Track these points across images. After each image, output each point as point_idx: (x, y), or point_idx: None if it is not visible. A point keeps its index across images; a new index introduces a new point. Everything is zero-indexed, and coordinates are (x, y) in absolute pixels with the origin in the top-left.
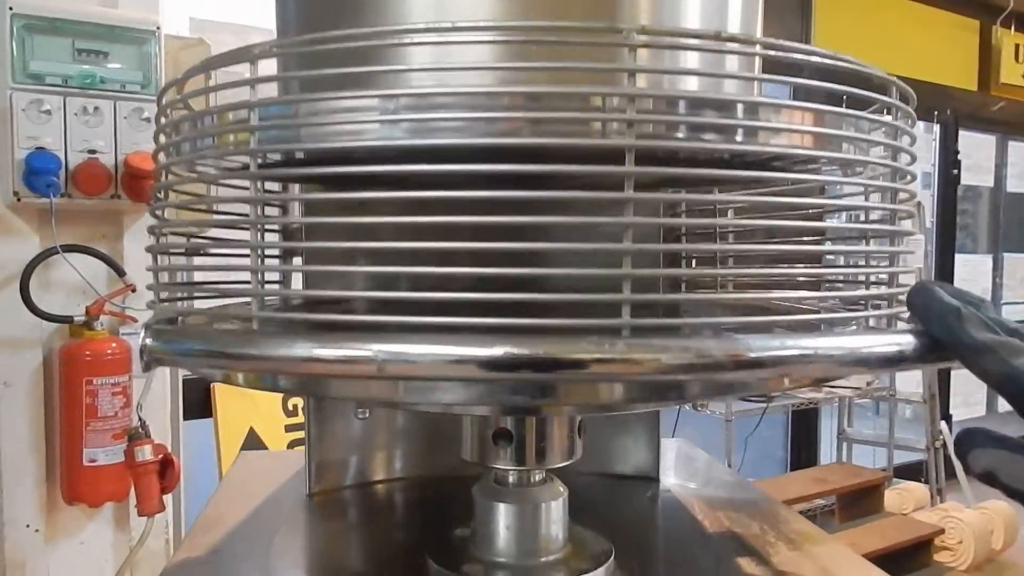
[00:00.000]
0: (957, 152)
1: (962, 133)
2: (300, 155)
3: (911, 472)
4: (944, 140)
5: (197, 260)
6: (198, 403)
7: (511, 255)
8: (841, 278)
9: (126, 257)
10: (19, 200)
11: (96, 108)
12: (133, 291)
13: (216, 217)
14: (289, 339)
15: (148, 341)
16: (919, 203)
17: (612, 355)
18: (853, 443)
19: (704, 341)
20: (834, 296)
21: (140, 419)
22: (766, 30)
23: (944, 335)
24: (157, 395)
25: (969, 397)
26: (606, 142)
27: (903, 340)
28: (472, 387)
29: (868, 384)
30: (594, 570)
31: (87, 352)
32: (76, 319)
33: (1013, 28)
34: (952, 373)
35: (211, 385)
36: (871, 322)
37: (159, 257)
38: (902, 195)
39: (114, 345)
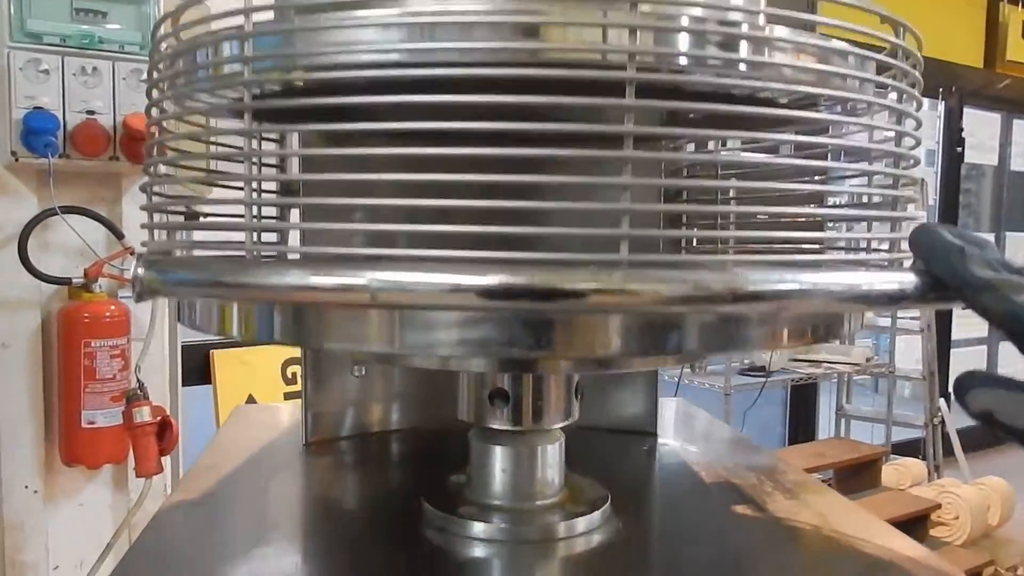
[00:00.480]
0: (961, 130)
1: (967, 111)
2: (300, 83)
3: (909, 450)
4: (948, 118)
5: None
6: (197, 370)
7: (509, 191)
8: (844, 222)
9: (125, 220)
10: (17, 160)
11: (95, 68)
12: (132, 254)
13: (211, 151)
14: (284, 267)
15: (140, 271)
16: (922, 180)
17: (610, 285)
18: (851, 419)
19: (702, 273)
20: (837, 237)
21: (139, 381)
22: (770, 2)
23: (946, 273)
24: (156, 360)
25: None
26: (606, 74)
27: (904, 278)
28: (468, 331)
29: (868, 360)
30: (590, 513)
31: (85, 314)
32: (75, 281)
33: (1020, 5)
34: (952, 351)
35: (210, 352)
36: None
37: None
38: (906, 141)
39: (113, 308)
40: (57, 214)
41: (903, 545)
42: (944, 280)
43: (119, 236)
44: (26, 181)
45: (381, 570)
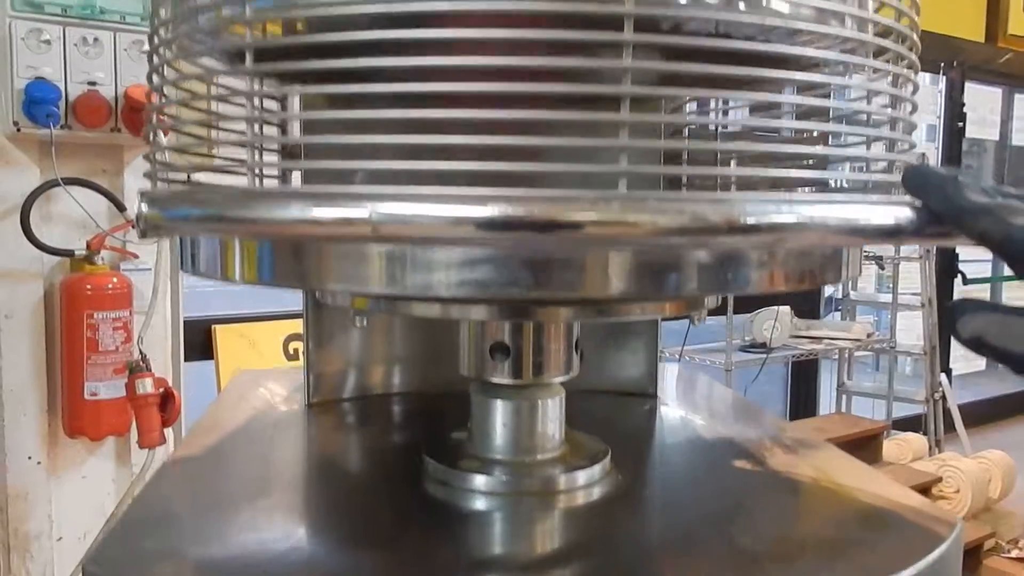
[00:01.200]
0: (963, 104)
1: (968, 85)
2: (300, 28)
3: (910, 426)
4: (950, 92)
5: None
6: (199, 345)
7: (510, 130)
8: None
9: (126, 192)
10: (19, 130)
11: (96, 39)
12: (134, 227)
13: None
14: (286, 199)
15: (144, 208)
16: (923, 155)
17: (607, 216)
18: (853, 396)
19: (700, 204)
20: (835, 175)
21: (141, 352)
22: None
23: (942, 204)
24: (158, 333)
25: (969, 351)
26: (605, 9)
27: (901, 213)
28: (468, 272)
29: (868, 336)
30: (590, 467)
31: (88, 286)
32: (77, 253)
33: None
34: None
35: (212, 327)
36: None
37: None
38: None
39: (115, 280)
40: (59, 185)
41: (901, 494)
42: (941, 212)
43: (121, 208)
44: (28, 151)
45: (383, 522)
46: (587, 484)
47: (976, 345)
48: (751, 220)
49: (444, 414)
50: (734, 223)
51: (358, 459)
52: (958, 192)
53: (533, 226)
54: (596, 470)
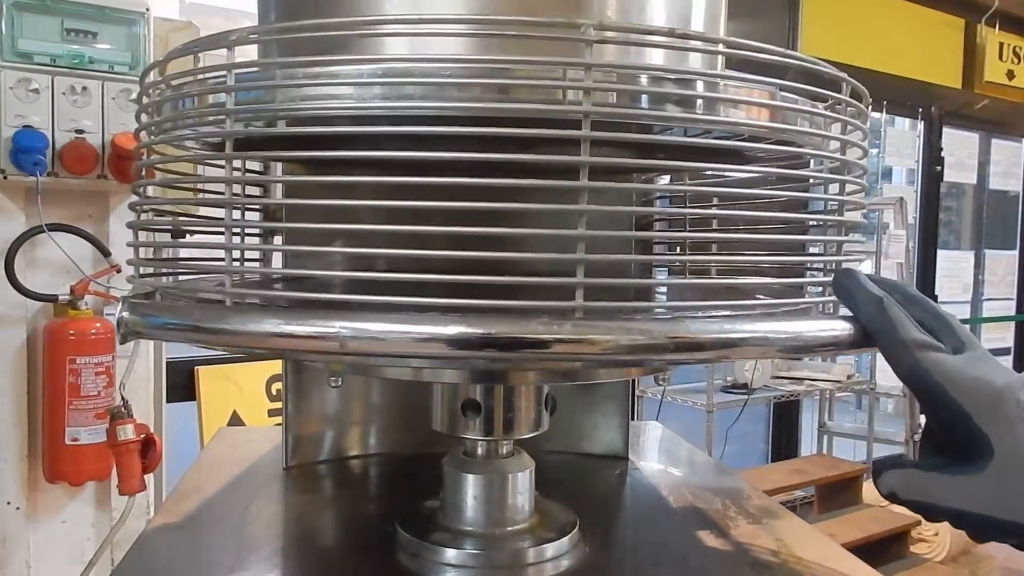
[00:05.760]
0: (941, 149)
1: (946, 130)
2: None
3: None
4: (928, 137)
5: (178, 238)
6: (182, 386)
7: (481, 240)
8: (796, 265)
9: (111, 237)
10: (5, 178)
11: (84, 88)
12: (118, 271)
13: (197, 196)
14: (259, 316)
15: (124, 314)
16: (902, 199)
17: (566, 335)
18: (834, 436)
19: (648, 324)
20: (781, 283)
21: (123, 398)
22: (753, 27)
23: (867, 322)
24: (140, 377)
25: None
26: (565, 107)
27: (838, 326)
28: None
29: (848, 377)
30: (559, 539)
31: (71, 331)
32: (61, 298)
33: (997, 27)
34: None
35: (195, 368)
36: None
37: (139, 233)
38: (851, 187)
39: (98, 325)
40: (44, 232)
41: (855, 568)
42: (866, 327)
43: (106, 254)
44: (14, 198)
45: None
46: (555, 556)
47: (893, 499)
48: (696, 338)
49: (418, 477)
50: (680, 342)
51: (332, 528)
52: (881, 316)
53: (496, 344)
54: (564, 543)
